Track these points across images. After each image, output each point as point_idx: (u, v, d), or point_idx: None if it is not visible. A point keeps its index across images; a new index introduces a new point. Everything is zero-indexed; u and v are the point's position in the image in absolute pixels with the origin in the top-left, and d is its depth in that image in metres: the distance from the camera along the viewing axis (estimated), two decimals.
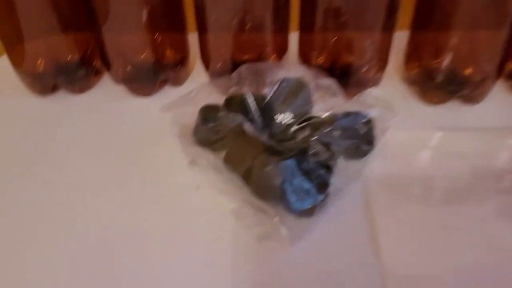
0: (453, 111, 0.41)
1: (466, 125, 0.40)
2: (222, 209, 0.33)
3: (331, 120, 0.34)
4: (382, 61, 0.41)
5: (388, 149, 0.37)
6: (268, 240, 0.31)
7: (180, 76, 0.45)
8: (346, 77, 0.41)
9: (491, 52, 0.38)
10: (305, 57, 0.42)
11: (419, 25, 0.40)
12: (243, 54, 0.41)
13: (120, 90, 0.44)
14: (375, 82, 0.43)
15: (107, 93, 0.44)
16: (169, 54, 0.43)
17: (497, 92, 0.42)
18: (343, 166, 0.34)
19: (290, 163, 0.31)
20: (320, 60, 0.42)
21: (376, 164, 0.36)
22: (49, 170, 0.37)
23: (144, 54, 0.42)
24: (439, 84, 0.40)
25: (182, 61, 0.44)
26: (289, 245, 0.31)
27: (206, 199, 0.34)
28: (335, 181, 0.33)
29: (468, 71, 0.40)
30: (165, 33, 0.42)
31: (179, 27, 0.43)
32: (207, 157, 0.34)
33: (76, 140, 0.39)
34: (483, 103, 0.42)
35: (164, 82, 0.44)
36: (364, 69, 0.41)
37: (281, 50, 0.42)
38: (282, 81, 0.36)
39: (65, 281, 0.29)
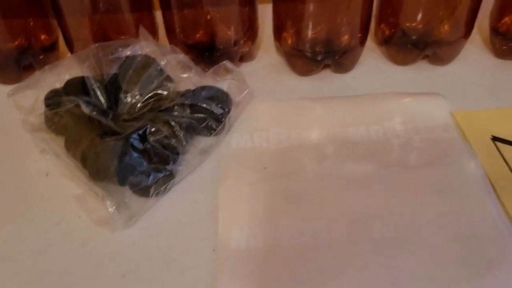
0: (321, 81, 0.40)
1: (335, 94, 0.39)
2: (67, 194, 0.32)
3: (174, 96, 0.33)
4: (250, 34, 0.40)
5: (249, 122, 0.36)
6: (105, 224, 0.30)
7: (51, 61, 0.42)
8: (215, 51, 0.40)
9: (351, 23, 0.38)
10: (173, 36, 0.41)
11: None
12: (105, 36, 0.40)
13: None
14: (249, 56, 0.42)
15: None
16: (36, 40, 0.41)
17: (370, 60, 0.42)
18: (193, 143, 0.33)
19: (121, 143, 0.30)
20: (186, 36, 0.40)
21: (234, 138, 0.35)
22: None
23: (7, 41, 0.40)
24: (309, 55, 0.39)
25: (51, 46, 0.42)
26: (121, 228, 0.30)
27: (53, 185, 0.33)
28: (185, 158, 0.32)
29: (334, 41, 0.39)
30: (32, 19, 0.41)
31: (44, 12, 0.41)
32: (51, 142, 0.33)
33: None
34: (353, 72, 0.41)
35: (31, 68, 0.42)
36: (232, 43, 0.40)
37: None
38: (126, 58, 0.34)
39: None
